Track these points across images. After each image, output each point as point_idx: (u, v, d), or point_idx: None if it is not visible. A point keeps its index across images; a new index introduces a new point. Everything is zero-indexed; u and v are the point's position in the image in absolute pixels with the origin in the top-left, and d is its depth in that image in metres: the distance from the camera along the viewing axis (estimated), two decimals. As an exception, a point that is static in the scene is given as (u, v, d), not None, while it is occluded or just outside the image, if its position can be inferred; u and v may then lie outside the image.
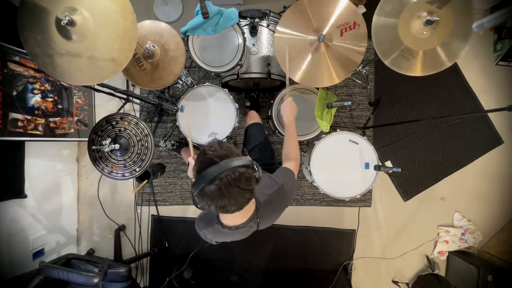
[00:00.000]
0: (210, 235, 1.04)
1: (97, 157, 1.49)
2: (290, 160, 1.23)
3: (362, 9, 2.18)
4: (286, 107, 1.36)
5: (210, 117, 1.69)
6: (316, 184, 1.70)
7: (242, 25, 1.59)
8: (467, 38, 1.35)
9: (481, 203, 2.40)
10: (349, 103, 1.57)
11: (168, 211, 2.39)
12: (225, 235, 1.00)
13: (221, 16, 1.47)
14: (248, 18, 1.64)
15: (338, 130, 1.77)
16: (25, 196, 1.83)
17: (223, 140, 0.84)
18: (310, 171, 1.66)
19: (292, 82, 1.80)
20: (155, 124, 2.31)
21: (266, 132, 1.68)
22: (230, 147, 0.81)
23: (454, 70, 2.35)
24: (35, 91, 1.78)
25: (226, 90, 1.68)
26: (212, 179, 0.73)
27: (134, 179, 1.93)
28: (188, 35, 1.55)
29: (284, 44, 1.42)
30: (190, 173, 1.15)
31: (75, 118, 2.09)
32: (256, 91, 2.12)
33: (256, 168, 0.82)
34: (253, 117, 1.76)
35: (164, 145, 2.07)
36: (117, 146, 1.43)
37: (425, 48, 1.37)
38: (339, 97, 2.32)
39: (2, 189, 1.68)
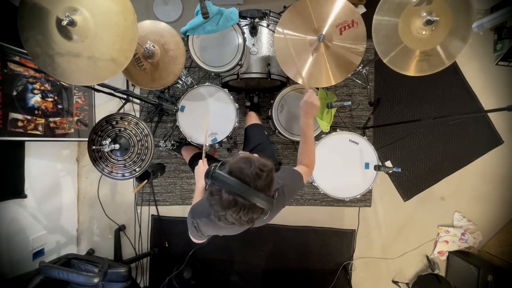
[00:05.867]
0: (204, 227, 1.02)
1: (97, 157, 1.49)
2: (301, 165, 1.18)
3: (362, 9, 2.18)
4: (303, 105, 1.18)
5: (210, 117, 1.70)
6: (316, 184, 1.70)
7: (242, 25, 1.59)
8: (467, 37, 1.34)
9: (481, 203, 2.40)
10: (349, 103, 1.58)
11: (168, 211, 2.39)
12: (219, 227, 0.99)
13: (221, 16, 1.47)
14: (248, 18, 1.64)
15: (338, 130, 1.77)
16: (25, 196, 1.83)
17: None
18: (310, 171, 1.66)
19: (292, 82, 1.81)
20: (155, 124, 2.31)
21: (266, 133, 1.68)
22: (271, 181, 0.80)
23: (454, 70, 2.35)
24: (35, 91, 1.78)
25: (226, 90, 1.69)
26: (234, 201, 0.76)
27: (134, 179, 1.93)
28: (188, 35, 1.55)
29: (284, 43, 1.42)
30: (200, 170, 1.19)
31: (75, 118, 2.09)
32: (256, 91, 2.12)
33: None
34: (253, 118, 1.76)
35: (164, 145, 2.07)
36: (117, 146, 1.43)
37: (425, 48, 1.37)
38: (339, 97, 2.32)
39: (2, 189, 1.68)
